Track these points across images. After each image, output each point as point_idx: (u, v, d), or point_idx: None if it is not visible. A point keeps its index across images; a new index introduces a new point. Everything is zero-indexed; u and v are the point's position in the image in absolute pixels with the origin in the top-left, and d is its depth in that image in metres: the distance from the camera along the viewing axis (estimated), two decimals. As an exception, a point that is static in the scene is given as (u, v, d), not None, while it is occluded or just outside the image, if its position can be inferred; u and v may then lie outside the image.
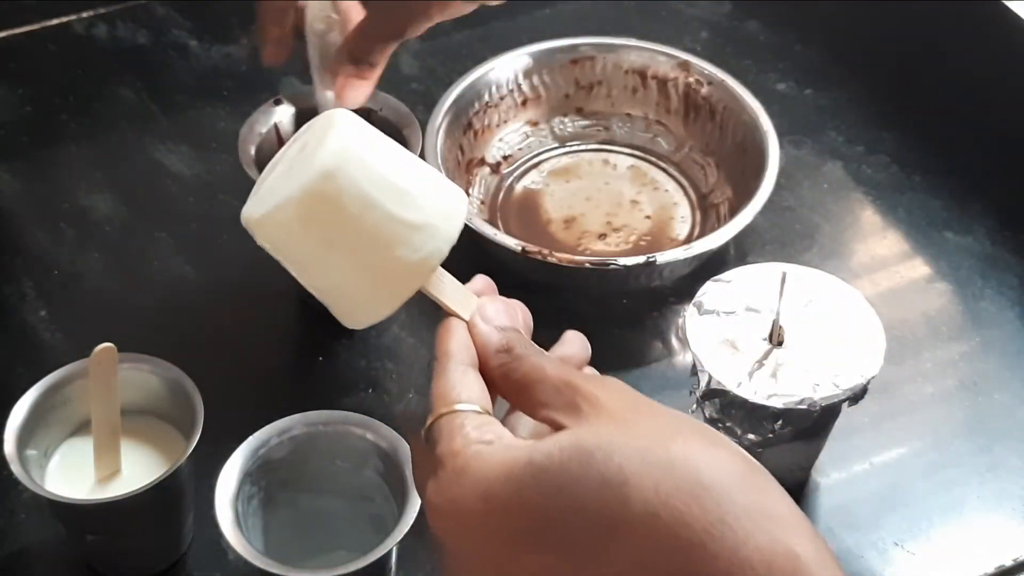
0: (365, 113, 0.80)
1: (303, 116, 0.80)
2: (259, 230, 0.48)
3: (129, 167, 0.91)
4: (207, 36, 1.01)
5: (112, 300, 0.82)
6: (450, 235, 0.49)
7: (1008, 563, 0.70)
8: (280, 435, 0.63)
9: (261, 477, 0.62)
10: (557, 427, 0.45)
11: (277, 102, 0.79)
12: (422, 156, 0.79)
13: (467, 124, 0.90)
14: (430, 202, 0.48)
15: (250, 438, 0.62)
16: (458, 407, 0.46)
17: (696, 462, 0.42)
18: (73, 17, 1.02)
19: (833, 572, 0.41)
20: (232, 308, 0.82)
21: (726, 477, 0.42)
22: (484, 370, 0.49)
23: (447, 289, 0.50)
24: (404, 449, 0.62)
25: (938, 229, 0.89)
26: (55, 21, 1.02)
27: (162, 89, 0.97)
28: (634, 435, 0.43)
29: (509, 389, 0.48)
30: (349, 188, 0.46)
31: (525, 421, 0.49)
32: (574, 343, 0.52)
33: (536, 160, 0.92)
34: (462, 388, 0.47)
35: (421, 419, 0.48)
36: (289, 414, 0.64)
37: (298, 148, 0.49)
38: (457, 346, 0.49)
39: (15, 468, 0.62)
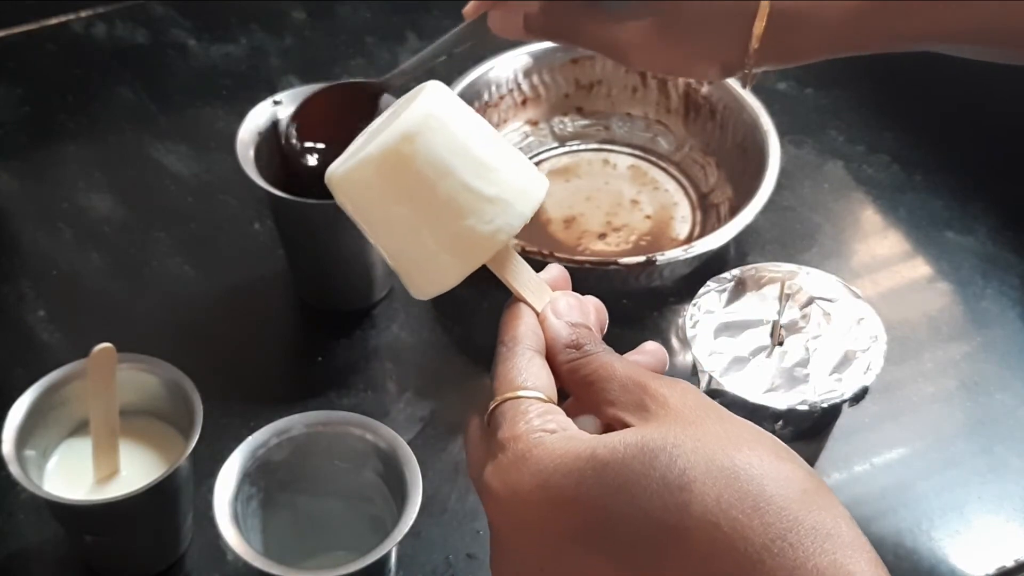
0: (364, 112, 0.80)
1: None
2: (339, 188, 0.49)
3: (128, 167, 0.91)
4: (206, 35, 1.01)
5: (111, 300, 0.82)
6: (523, 212, 0.49)
7: (1009, 564, 0.70)
8: (279, 436, 0.63)
9: (260, 478, 0.62)
10: (623, 426, 0.44)
11: (276, 102, 0.79)
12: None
13: (467, 123, 0.89)
14: (508, 178, 0.49)
15: (249, 439, 0.62)
16: (522, 393, 0.46)
17: (761, 474, 0.41)
18: (72, 16, 1.02)
19: None
20: (231, 308, 0.82)
21: (791, 492, 0.41)
22: (551, 364, 0.48)
23: (521, 274, 0.50)
24: (403, 450, 0.62)
25: (939, 229, 0.88)
26: (54, 20, 1.02)
27: (161, 88, 0.97)
28: (701, 440, 0.42)
29: (576, 385, 0.48)
30: (427, 152, 0.47)
31: (588, 423, 0.48)
32: (652, 353, 0.51)
33: (536, 159, 0.92)
34: (528, 374, 0.47)
35: (483, 403, 0.48)
36: (288, 414, 0.63)
37: (389, 114, 0.50)
38: (525, 331, 0.48)
39: (13, 469, 0.61)
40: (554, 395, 0.47)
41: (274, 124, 0.79)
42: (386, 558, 0.60)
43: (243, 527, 0.60)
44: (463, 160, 0.48)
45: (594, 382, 0.47)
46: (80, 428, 0.66)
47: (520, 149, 0.92)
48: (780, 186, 0.84)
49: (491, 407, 0.46)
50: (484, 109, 0.90)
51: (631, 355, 0.50)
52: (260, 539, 0.62)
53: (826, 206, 0.90)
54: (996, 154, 0.92)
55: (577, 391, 0.48)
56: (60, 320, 0.80)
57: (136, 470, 0.65)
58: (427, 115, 0.48)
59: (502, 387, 0.47)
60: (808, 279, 0.69)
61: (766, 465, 0.41)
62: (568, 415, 0.46)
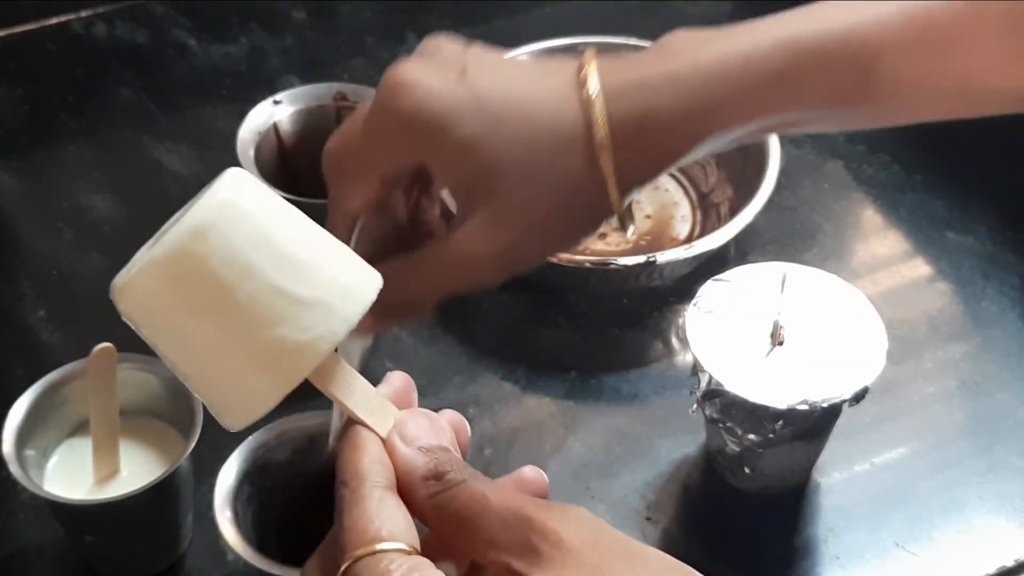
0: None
1: (301, 116, 0.80)
2: (121, 299, 0.42)
3: (128, 166, 0.91)
4: (206, 35, 1.01)
5: (111, 300, 0.82)
6: (348, 317, 0.41)
7: (1009, 564, 0.70)
8: (279, 436, 0.63)
9: (260, 478, 0.62)
10: (510, 574, 0.38)
11: (276, 102, 0.79)
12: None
13: (467, 123, 0.89)
14: (327, 277, 0.41)
15: (249, 439, 0.62)
16: (380, 546, 0.38)
17: None
18: (72, 16, 1.02)
19: None
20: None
21: None
22: (408, 501, 0.41)
23: (354, 391, 0.43)
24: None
25: (939, 228, 0.88)
26: (54, 20, 1.01)
27: (161, 88, 0.97)
28: None
29: (444, 524, 0.40)
30: (222, 250, 0.40)
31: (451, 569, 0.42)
32: (530, 481, 0.43)
33: (536, 159, 0.92)
34: (382, 520, 0.39)
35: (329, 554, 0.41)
36: (288, 414, 0.63)
37: (184, 209, 0.43)
38: (370, 465, 0.41)
39: (14, 468, 0.61)
40: (416, 540, 0.39)
41: (274, 124, 0.79)
42: (386, 558, 0.60)
43: (243, 527, 0.60)
44: (269, 257, 0.40)
45: (467, 519, 0.39)
46: (80, 428, 0.66)
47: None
48: (780, 186, 0.83)
49: (343, 567, 0.38)
50: (484, 109, 0.90)
51: (504, 480, 0.43)
52: (260, 539, 0.62)
53: (826, 206, 0.90)
54: (996, 154, 0.92)
55: (446, 530, 0.41)
56: (60, 320, 0.80)
57: (136, 470, 0.65)
58: (222, 205, 0.40)
59: (353, 540, 0.39)
60: (808, 279, 0.69)
61: None
62: (430, 555, 0.39)
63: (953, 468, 0.74)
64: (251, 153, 0.76)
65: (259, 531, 0.62)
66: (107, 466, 0.65)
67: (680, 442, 0.74)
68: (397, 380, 0.44)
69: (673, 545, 0.70)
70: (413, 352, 0.79)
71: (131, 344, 0.66)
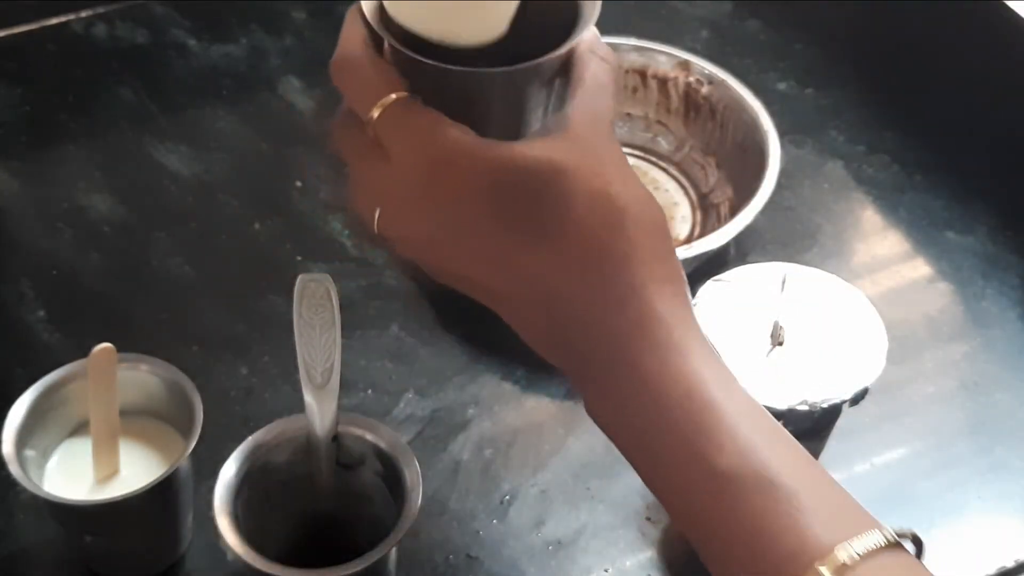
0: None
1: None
2: None
3: (128, 167, 0.91)
4: (206, 35, 1.01)
5: (111, 300, 0.82)
6: None
7: (1009, 564, 0.70)
8: (279, 436, 0.63)
9: (260, 478, 0.62)
10: None
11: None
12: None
13: (467, 123, 0.89)
14: None
15: (249, 439, 0.62)
16: (396, 95, 0.48)
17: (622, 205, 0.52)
18: (72, 16, 1.02)
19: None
20: (231, 308, 0.82)
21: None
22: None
23: None
24: (403, 450, 0.62)
25: (939, 229, 0.88)
26: (54, 20, 1.01)
27: (161, 88, 0.97)
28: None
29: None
30: None
31: None
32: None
33: (536, 160, 0.92)
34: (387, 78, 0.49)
35: None
36: (288, 415, 0.63)
37: None
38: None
39: (13, 469, 0.61)
40: None
41: None
42: (386, 558, 0.60)
43: (243, 527, 0.60)
44: None
45: None
46: (80, 428, 0.66)
47: (520, 149, 0.92)
48: (780, 186, 0.83)
49: (373, 117, 0.47)
50: (484, 109, 0.90)
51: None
52: (260, 539, 0.62)
53: (826, 206, 0.90)
54: (996, 154, 0.92)
55: None
56: (60, 320, 0.80)
57: (136, 470, 0.65)
58: None
59: (370, 98, 0.48)
60: (808, 279, 0.69)
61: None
62: None
63: (953, 468, 0.74)
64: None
65: (259, 531, 0.62)
66: (107, 466, 0.65)
67: (680, 442, 0.74)
68: None
69: (673, 545, 0.70)
70: (413, 352, 0.79)
71: (131, 344, 0.66)
